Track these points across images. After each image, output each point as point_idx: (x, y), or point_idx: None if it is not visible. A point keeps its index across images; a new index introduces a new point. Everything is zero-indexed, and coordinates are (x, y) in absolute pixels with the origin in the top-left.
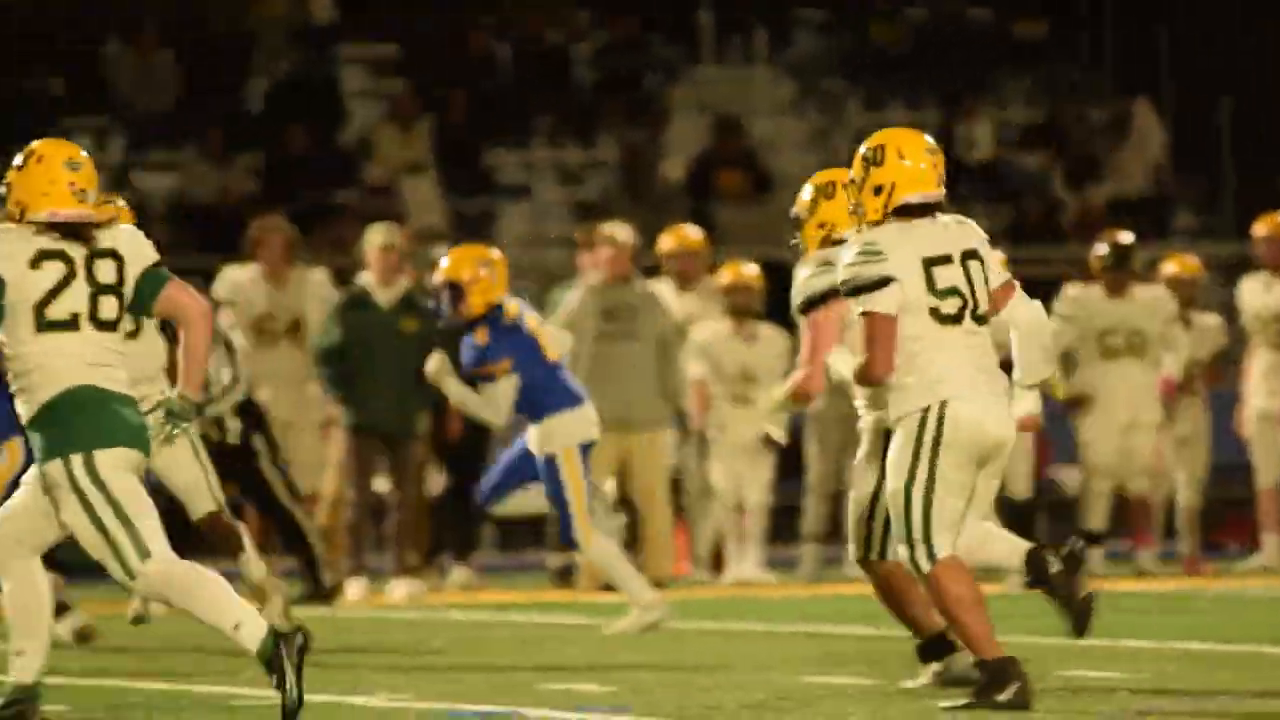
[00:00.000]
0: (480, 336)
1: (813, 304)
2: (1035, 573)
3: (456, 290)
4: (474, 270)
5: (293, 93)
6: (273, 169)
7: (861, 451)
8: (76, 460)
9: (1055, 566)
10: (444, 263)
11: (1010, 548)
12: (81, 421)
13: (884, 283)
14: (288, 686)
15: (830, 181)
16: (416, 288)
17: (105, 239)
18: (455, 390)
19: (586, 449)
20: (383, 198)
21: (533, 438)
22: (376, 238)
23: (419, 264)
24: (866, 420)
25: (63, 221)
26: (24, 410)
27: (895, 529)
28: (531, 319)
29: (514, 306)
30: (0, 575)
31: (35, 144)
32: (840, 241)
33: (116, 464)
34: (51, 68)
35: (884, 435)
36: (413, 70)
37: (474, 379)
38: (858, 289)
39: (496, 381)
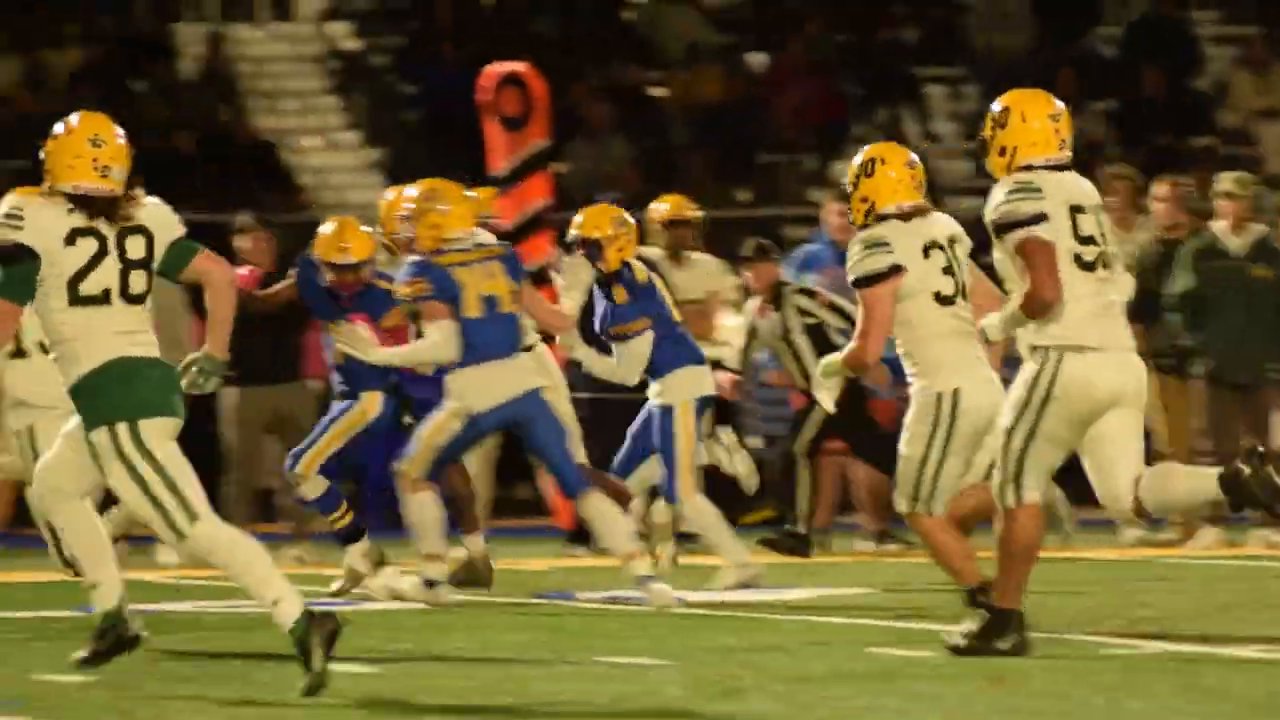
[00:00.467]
0: (620, 296)
1: (867, 281)
2: (1232, 489)
3: (594, 246)
4: (609, 228)
5: (1146, 37)
6: (1125, 114)
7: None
8: (122, 429)
9: (1246, 471)
10: (578, 219)
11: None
12: (122, 392)
13: (1039, 219)
14: (314, 668)
15: (872, 158)
16: (1272, 235)
17: (135, 216)
18: (584, 353)
19: (703, 408)
20: (1237, 144)
21: (654, 390)
22: (1225, 185)
23: (1270, 211)
24: (916, 386)
25: (85, 195)
26: (65, 379)
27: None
28: (659, 281)
29: (641, 269)
30: (55, 522)
31: (72, 116)
32: (883, 217)
33: (159, 432)
34: (909, 17)
35: (935, 400)
36: (1268, 16)
37: (609, 338)
38: (1014, 224)
39: (631, 340)
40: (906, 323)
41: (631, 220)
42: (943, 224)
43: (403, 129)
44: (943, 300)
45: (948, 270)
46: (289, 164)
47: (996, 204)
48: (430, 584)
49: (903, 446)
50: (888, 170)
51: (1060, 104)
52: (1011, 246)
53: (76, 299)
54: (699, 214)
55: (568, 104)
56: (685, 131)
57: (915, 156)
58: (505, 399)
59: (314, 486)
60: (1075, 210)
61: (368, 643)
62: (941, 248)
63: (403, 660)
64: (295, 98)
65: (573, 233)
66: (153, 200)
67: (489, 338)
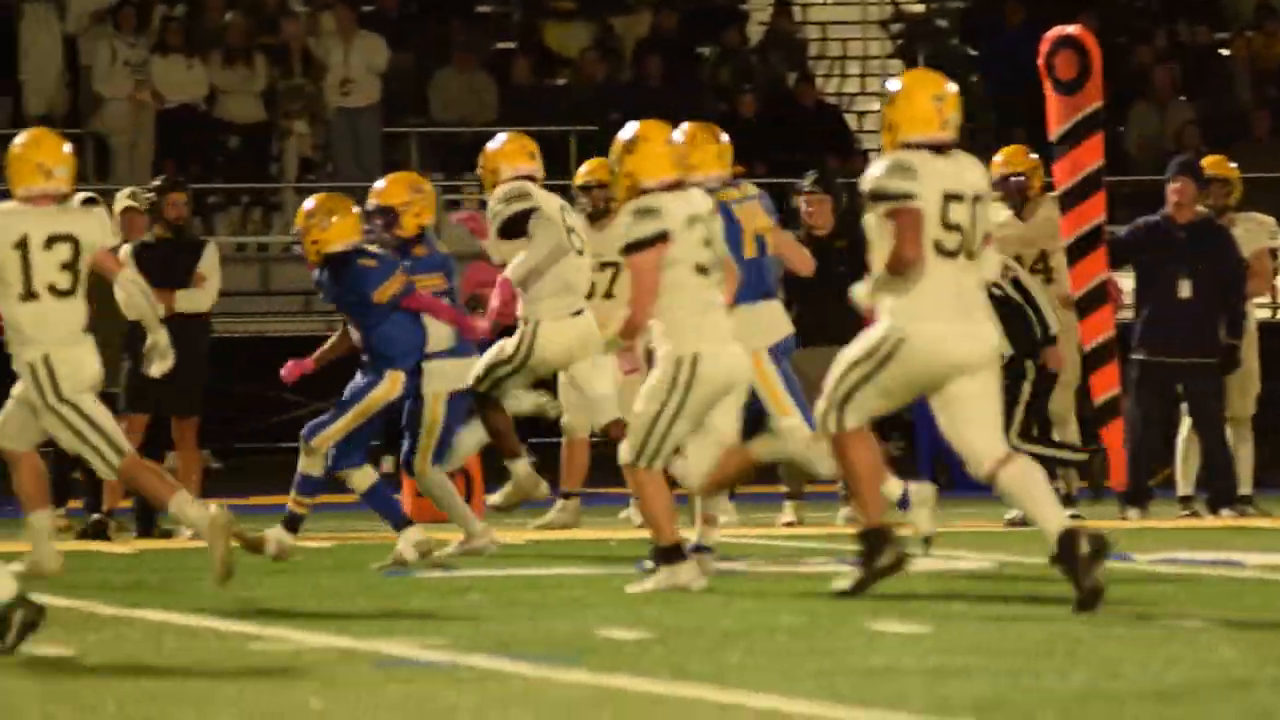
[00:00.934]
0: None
1: (636, 248)
2: (1064, 551)
3: (390, 214)
4: (406, 195)
5: None
6: None
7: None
8: None
9: (1085, 549)
10: (378, 187)
11: (1055, 515)
12: None
13: (908, 197)
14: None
15: (635, 136)
16: None
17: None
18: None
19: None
20: None
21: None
22: None
23: None
24: (660, 351)
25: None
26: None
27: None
28: None
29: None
30: None
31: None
32: (645, 191)
33: None
34: None
35: (675, 363)
36: None
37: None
38: (884, 197)
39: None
40: (667, 289)
41: (429, 187)
42: (700, 198)
43: (965, 92)
44: (700, 270)
45: (708, 243)
46: (852, 128)
47: (874, 176)
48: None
49: (638, 404)
50: (651, 146)
51: (951, 86)
52: (883, 212)
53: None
54: (1235, 173)
55: (1134, 66)
56: (1251, 91)
57: (676, 134)
58: (781, 337)
59: (317, 464)
60: (949, 198)
61: (920, 602)
62: (703, 221)
63: (955, 619)
64: (858, 61)
65: (371, 201)
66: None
67: (759, 277)
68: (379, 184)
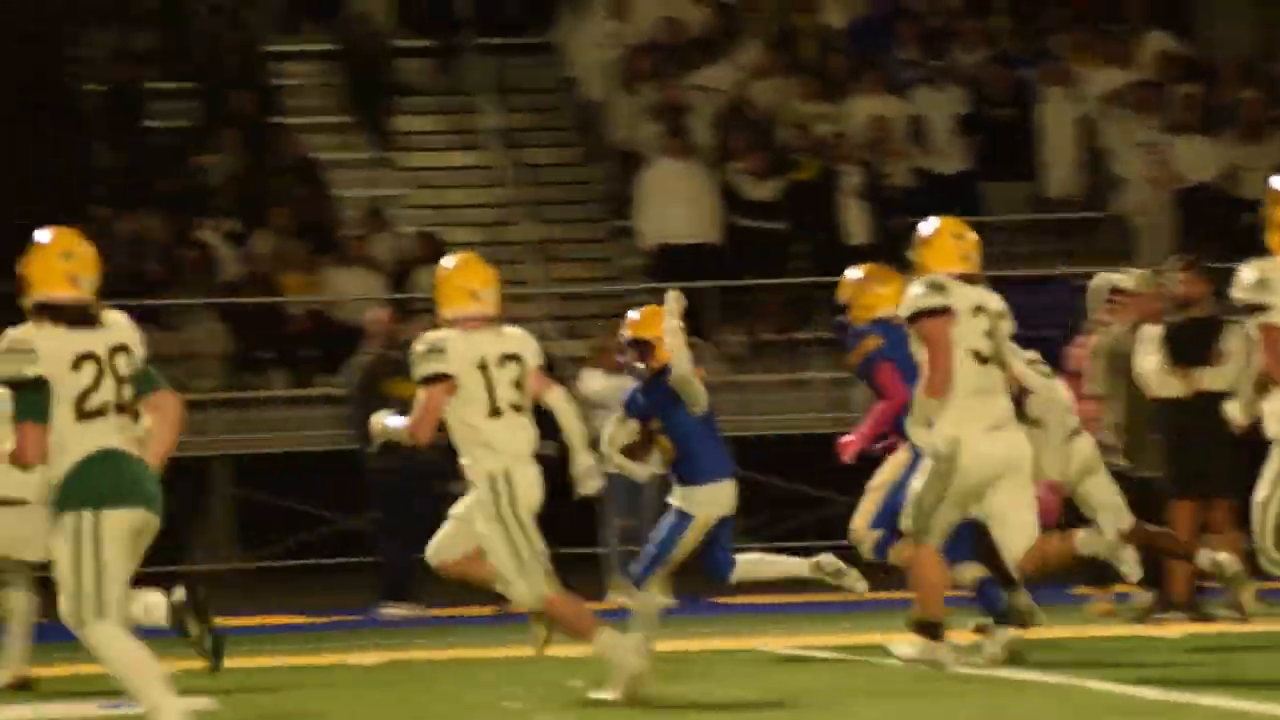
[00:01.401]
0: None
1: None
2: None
3: (645, 346)
4: (659, 328)
5: None
6: None
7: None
8: (88, 515)
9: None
10: (633, 317)
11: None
12: (98, 481)
13: (1262, 309)
14: None
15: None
16: None
17: (115, 333)
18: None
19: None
20: None
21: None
22: None
23: None
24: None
25: (58, 305)
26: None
27: None
28: None
29: None
30: None
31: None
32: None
33: (119, 525)
34: None
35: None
36: None
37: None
38: (1252, 307)
39: None
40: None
41: None
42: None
43: None
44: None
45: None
46: None
47: (1244, 285)
48: None
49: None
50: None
51: None
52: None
53: (81, 414)
54: None
55: None
56: None
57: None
58: None
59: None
60: None
61: None
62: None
63: None
64: None
65: (625, 333)
66: (121, 315)
67: None
68: (633, 315)
